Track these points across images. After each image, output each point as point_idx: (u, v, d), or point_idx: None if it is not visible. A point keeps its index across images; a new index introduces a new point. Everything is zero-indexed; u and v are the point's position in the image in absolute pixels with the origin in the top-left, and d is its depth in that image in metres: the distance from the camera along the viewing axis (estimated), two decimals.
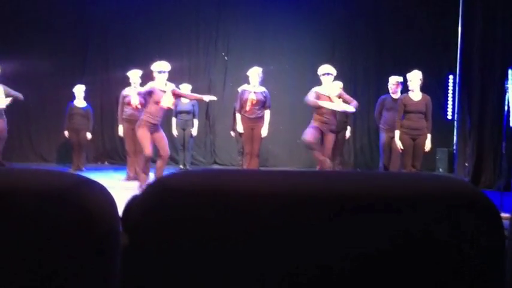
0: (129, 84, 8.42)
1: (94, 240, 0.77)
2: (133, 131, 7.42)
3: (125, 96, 8.19)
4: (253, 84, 7.77)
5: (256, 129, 7.72)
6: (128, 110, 8.11)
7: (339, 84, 8.92)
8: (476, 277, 0.80)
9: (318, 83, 7.59)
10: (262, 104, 7.75)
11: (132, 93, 8.01)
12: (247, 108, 7.67)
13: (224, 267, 0.78)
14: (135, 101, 7.87)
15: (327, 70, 7.42)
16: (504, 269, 0.82)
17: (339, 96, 7.43)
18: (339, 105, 7.38)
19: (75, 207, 0.76)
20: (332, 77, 7.43)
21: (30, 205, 0.75)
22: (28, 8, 10.74)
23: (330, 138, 7.39)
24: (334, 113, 7.39)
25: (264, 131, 7.74)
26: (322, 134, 7.34)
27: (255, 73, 7.82)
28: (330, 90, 7.38)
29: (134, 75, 8.32)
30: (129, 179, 8.06)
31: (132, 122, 7.76)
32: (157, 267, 0.79)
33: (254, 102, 7.67)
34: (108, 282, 0.79)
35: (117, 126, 8.65)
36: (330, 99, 7.32)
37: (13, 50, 10.13)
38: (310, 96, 7.36)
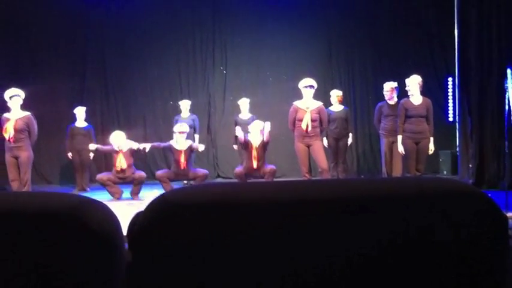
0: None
1: (98, 259, 0.77)
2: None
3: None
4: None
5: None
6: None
7: (338, 93, 8.96)
8: (480, 276, 0.80)
9: (316, 91, 7.63)
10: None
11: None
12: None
13: (228, 280, 0.78)
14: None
15: (308, 83, 7.48)
16: (508, 268, 0.82)
17: (318, 112, 7.43)
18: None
19: (79, 228, 0.76)
20: (313, 90, 7.47)
21: (34, 227, 0.75)
22: (26, 30, 10.80)
23: (317, 147, 7.41)
24: (317, 122, 7.40)
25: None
26: (307, 146, 7.40)
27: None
28: (308, 103, 7.43)
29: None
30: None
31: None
32: (162, 282, 0.78)
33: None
34: None
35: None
36: (305, 111, 7.36)
37: (11, 74, 10.17)
38: (289, 113, 7.55)
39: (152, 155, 11.32)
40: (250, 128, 8.06)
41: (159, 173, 8.47)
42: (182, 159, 8.15)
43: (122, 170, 8.09)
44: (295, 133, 7.46)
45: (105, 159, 11.28)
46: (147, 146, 8.30)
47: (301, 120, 7.34)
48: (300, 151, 7.42)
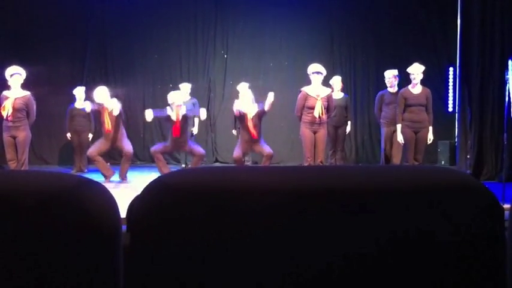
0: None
1: (95, 240, 0.77)
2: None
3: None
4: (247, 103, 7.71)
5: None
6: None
7: (338, 78, 8.94)
8: (478, 266, 0.80)
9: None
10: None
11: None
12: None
13: (225, 264, 0.78)
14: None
15: (316, 69, 7.42)
16: (505, 258, 0.82)
17: (327, 99, 7.39)
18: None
19: (76, 208, 0.77)
20: (321, 76, 7.41)
21: (32, 207, 0.75)
22: (26, 10, 10.74)
23: (321, 135, 7.38)
24: (324, 110, 7.37)
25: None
26: (314, 132, 7.37)
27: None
28: (318, 90, 7.38)
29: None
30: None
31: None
32: (159, 265, 0.79)
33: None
34: (111, 281, 0.79)
35: None
36: (317, 99, 7.31)
37: (12, 53, 10.13)
38: (298, 100, 7.45)
39: (150, 135, 11.33)
40: (240, 97, 7.89)
41: (153, 148, 8.15)
42: (178, 125, 7.79)
43: (110, 131, 7.81)
44: (304, 119, 7.40)
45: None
46: (149, 115, 7.86)
47: (311, 108, 7.29)
48: (307, 137, 7.36)
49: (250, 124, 7.57)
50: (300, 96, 7.46)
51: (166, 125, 8.13)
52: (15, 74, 7.36)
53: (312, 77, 7.41)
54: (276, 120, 10.26)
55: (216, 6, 11.32)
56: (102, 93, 7.91)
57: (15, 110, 7.25)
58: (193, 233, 0.78)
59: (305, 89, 7.44)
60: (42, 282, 0.76)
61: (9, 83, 7.39)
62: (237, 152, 7.78)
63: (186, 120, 7.98)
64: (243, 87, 8.49)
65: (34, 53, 10.62)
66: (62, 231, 0.76)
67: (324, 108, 7.32)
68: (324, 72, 7.46)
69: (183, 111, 7.88)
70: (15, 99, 7.28)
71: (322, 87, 7.44)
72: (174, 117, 7.81)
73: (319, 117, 7.26)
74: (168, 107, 7.98)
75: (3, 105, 7.27)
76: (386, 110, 8.00)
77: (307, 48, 10.98)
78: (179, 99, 7.93)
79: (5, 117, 7.29)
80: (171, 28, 11.26)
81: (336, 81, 8.83)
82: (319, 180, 0.82)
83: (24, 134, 7.37)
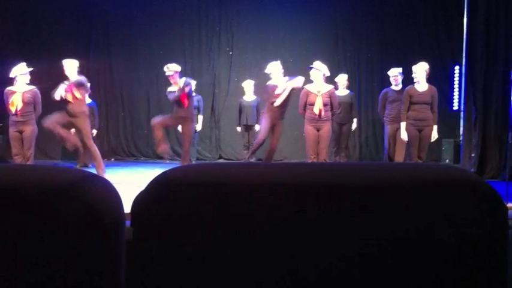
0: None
1: (98, 234, 0.78)
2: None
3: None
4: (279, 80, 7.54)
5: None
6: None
7: (345, 76, 8.93)
8: (479, 265, 0.80)
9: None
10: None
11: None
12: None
13: (227, 259, 0.79)
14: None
15: (313, 65, 7.42)
16: (507, 257, 0.82)
17: (329, 96, 7.34)
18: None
19: (80, 202, 0.77)
20: (318, 72, 7.36)
21: (35, 200, 0.75)
22: (30, 7, 10.75)
23: (325, 131, 7.34)
24: (328, 106, 7.32)
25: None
26: (317, 130, 7.33)
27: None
28: (319, 86, 7.35)
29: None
30: None
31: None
32: (162, 260, 0.79)
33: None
34: (113, 276, 0.80)
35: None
36: (317, 95, 7.28)
37: (15, 50, 10.14)
38: (300, 97, 7.40)
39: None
40: (273, 76, 7.54)
41: (155, 119, 7.69)
42: (184, 92, 7.50)
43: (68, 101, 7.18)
44: (306, 116, 7.38)
45: (108, 136, 11.31)
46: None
47: (312, 104, 7.27)
48: (310, 134, 7.34)
49: (281, 90, 7.31)
50: (301, 93, 7.45)
51: (174, 98, 7.78)
52: (27, 73, 7.37)
53: (310, 73, 7.44)
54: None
55: (220, 2, 11.32)
56: (70, 66, 7.38)
57: (25, 103, 7.26)
58: (196, 228, 0.79)
59: (306, 86, 7.44)
60: (45, 275, 0.76)
61: (16, 79, 7.39)
62: (261, 136, 7.48)
63: (188, 86, 7.73)
64: (249, 86, 8.16)
65: (37, 48, 10.65)
66: (66, 224, 0.76)
67: (326, 105, 7.30)
68: (322, 69, 7.39)
69: (182, 80, 7.64)
70: (23, 93, 7.29)
71: (323, 84, 7.42)
72: (175, 87, 7.59)
73: (320, 113, 7.25)
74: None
75: (11, 100, 7.27)
76: (390, 108, 8.00)
77: (312, 45, 10.97)
78: (176, 67, 7.77)
79: (13, 112, 7.29)
80: (175, 24, 11.26)
81: (341, 78, 8.83)
82: (320, 177, 0.82)
83: (31, 129, 7.37)
